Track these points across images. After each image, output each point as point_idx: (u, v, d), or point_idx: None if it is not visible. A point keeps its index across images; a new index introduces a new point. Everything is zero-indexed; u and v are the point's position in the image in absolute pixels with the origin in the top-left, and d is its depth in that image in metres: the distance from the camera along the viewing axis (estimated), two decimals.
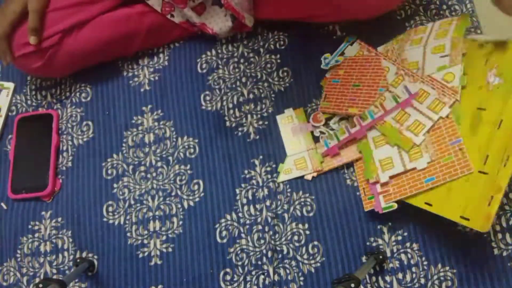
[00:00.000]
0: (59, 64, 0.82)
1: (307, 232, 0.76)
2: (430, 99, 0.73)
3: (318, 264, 0.74)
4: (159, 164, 0.83)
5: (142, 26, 0.83)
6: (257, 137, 0.82)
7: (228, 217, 0.78)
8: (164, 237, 0.79)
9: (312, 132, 0.80)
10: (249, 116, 0.84)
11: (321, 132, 0.80)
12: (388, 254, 0.72)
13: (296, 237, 0.75)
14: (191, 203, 0.80)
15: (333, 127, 0.80)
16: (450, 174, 0.67)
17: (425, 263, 0.71)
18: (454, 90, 0.71)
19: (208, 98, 0.87)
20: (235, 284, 0.75)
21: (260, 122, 0.83)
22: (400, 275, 0.71)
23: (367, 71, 0.80)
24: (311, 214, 0.76)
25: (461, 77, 0.72)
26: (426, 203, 0.67)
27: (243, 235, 0.77)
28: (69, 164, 0.86)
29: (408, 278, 0.71)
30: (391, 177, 0.72)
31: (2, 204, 0.85)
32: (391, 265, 0.72)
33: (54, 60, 0.81)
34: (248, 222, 0.77)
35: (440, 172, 0.68)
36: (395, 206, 0.70)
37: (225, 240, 0.77)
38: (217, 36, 0.87)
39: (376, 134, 0.75)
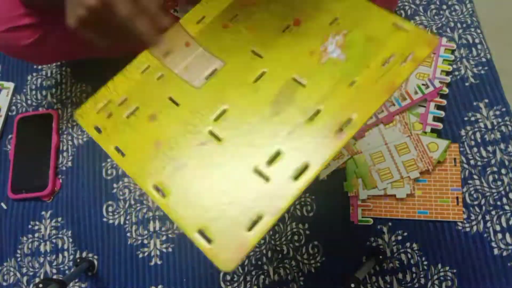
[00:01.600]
0: (50, 46, 0.74)
1: (307, 232, 0.75)
2: (408, 157, 0.75)
3: (318, 264, 0.74)
4: None
5: None
6: None
7: None
8: (164, 237, 0.79)
9: None
10: None
11: None
12: (388, 254, 0.72)
13: (296, 237, 0.75)
14: None
15: None
16: (442, 215, 0.72)
17: (425, 263, 0.71)
18: (430, 161, 0.74)
19: None
20: (235, 284, 0.75)
21: None
22: (400, 275, 0.71)
23: None
24: (311, 214, 0.76)
25: (441, 153, 0.74)
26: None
27: None
28: (69, 164, 0.86)
29: (408, 278, 0.71)
30: (370, 197, 0.75)
31: (2, 204, 0.85)
32: (391, 265, 0.72)
33: (45, 40, 0.73)
34: None
35: (434, 210, 0.73)
36: (371, 221, 0.74)
37: None
38: None
39: (373, 151, 0.77)
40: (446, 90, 0.79)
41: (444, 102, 0.78)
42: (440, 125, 0.76)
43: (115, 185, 0.83)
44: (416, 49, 0.43)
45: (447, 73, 0.80)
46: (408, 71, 0.42)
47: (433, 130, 0.76)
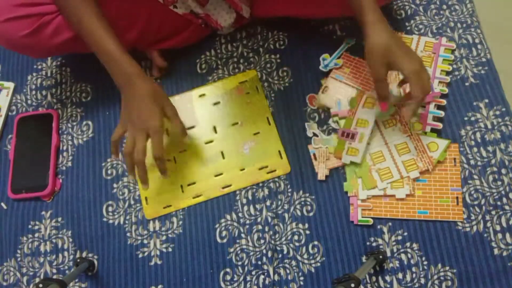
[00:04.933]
0: (47, 37, 0.75)
1: (307, 232, 0.75)
2: (408, 156, 0.75)
3: (318, 264, 0.74)
4: None
5: (141, 14, 0.80)
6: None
7: (228, 217, 0.78)
8: (164, 237, 0.78)
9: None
10: None
11: (314, 134, 0.80)
12: (388, 254, 0.72)
13: (296, 237, 0.75)
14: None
15: (332, 125, 0.80)
16: (442, 215, 0.72)
17: (425, 263, 0.71)
18: (430, 161, 0.74)
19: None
20: (235, 284, 0.75)
21: None
22: (400, 275, 0.71)
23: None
24: (311, 214, 0.76)
25: (441, 153, 0.74)
26: None
27: (243, 235, 0.77)
28: (69, 164, 0.86)
29: (408, 278, 0.71)
30: (370, 197, 0.75)
31: (2, 204, 0.85)
32: (391, 265, 0.72)
33: (43, 31, 0.75)
34: (248, 222, 0.77)
35: (434, 210, 0.72)
36: (371, 221, 0.73)
37: (225, 240, 0.77)
38: (221, 30, 0.86)
39: (373, 151, 0.77)
40: (445, 90, 0.79)
41: (443, 102, 0.78)
42: (440, 125, 0.76)
43: (115, 185, 0.83)
44: (278, 168, 0.79)
45: (447, 73, 0.80)
46: (265, 178, 0.79)
47: (433, 130, 0.76)
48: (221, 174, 0.80)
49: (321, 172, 0.77)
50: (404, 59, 0.64)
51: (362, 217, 0.74)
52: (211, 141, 0.83)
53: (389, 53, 0.64)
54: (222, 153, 0.82)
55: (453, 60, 0.81)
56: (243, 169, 0.80)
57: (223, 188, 0.80)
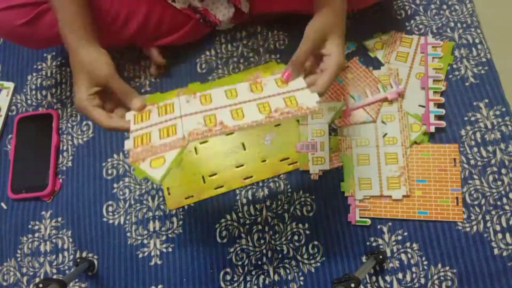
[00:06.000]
0: (44, 26, 0.75)
1: (307, 232, 0.75)
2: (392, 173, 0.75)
3: (318, 264, 0.74)
4: None
5: (140, 9, 0.79)
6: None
7: (228, 217, 0.78)
8: (164, 237, 0.79)
9: None
10: None
11: None
12: (388, 254, 0.72)
13: (296, 237, 0.75)
14: (191, 203, 0.80)
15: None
16: (442, 215, 0.72)
17: (425, 263, 0.71)
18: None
19: None
20: (235, 284, 0.75)
21: None
22: (400, 275, 0.71)
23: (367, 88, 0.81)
24: (311, 214, 0.76)
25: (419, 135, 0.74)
26: None
27: (243, 235, 0.77)
28: (69, 164, 0.86)
29: (408, 278, 0.71)
30: (368, 197, 0.75)
31: (2, 204, 0.85)
32: (391, 265, 0.72)
33: (40, 20, 0.74)
34: (248, 222, 0.77)
35: (434, 210, 0.73)
36: (369, 222, 0.73)
37: (225, 240, 0.77)
38: (220, 25, 0.86)
39: (361, 152, 0.77)
40: (442, 88, 0.78)
41: (442, 100, 0.77)
42: (443, 123, 0.76)
43: (115, 185, 0.83)
44: (299, 160, 0.79)
45: (443, 70, 0.80)
46: (287, 169, 0.79)
47: (436, 129, 0.76)
48: (242, 165, 0.80)
49: (313, 170, 0.77)
50: (339, 49, 0.60)
51: (360, 217, 0.74)
52: (232, 133, 0.81)
53: (330, 35, 0.61)
54: (243, 144, 0.81)
55: (441, 57, 0.81)
56: (264, 161, 0.80)
57: (245, 179, 0.80)
